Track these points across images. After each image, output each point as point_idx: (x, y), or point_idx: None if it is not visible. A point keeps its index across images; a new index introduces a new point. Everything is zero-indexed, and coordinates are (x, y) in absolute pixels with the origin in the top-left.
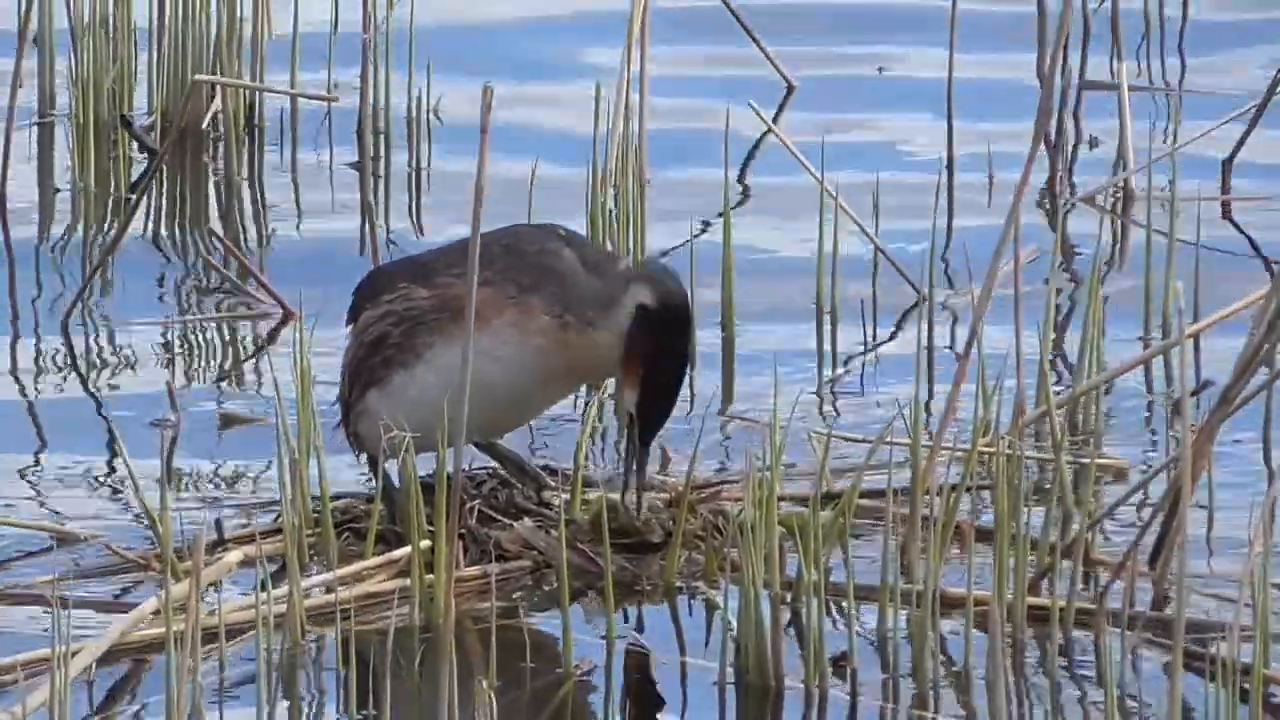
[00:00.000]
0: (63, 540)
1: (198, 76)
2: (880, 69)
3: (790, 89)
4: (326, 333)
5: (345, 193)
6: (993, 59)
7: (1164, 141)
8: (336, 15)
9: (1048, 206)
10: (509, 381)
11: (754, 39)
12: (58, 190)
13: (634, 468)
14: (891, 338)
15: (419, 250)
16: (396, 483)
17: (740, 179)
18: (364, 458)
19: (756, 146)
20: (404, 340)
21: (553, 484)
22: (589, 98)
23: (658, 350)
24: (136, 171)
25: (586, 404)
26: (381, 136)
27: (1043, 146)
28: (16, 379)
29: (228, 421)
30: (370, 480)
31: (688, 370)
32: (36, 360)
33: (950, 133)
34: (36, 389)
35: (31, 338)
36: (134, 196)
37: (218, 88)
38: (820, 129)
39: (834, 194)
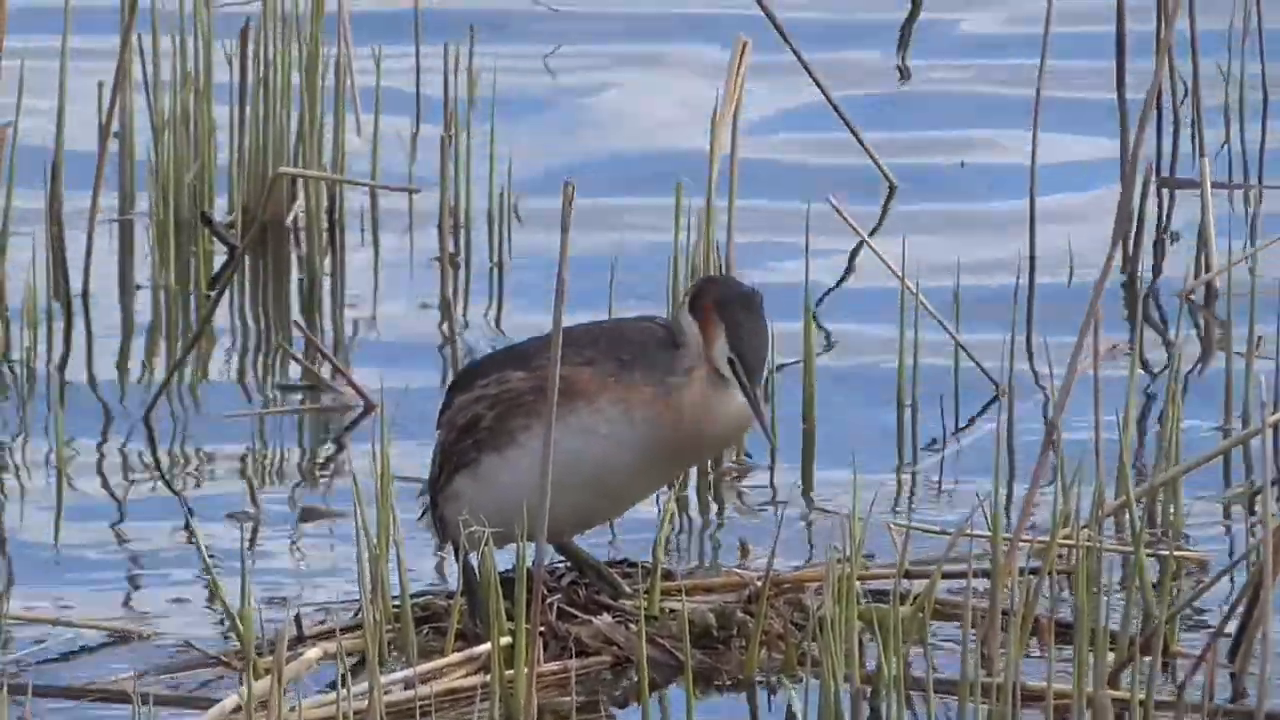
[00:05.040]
0: (145, 638)
1: (281, 169)
2: (962, 163)
3: (892, 189)
4: (407, 426)
5: (426, 287)
6: (1076, 145)
7: (1245, 228)
8: (419, 111)
9: (1128, 299)
10: (610, 459)
11: (855, 134)
12: (139, 287)
13: (755, 404)
14: (971, 429)
15: (499, 344)
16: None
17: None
18: (448, 546)
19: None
20: (496, 424)
21: (629, 590)
22: (670, 199)
23: (721, 299)
24: (218, 268)
25: (666, 499)
26: (462, 231)
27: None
28: (99, 473)
29: (307, 516)
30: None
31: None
32: (120, 455)
33: (1032, 222)
34: (119, 483)
35: (115, 433)
36: (214, 293)
37: (299, 183)
38: (901, 221)
39: (915, 290)
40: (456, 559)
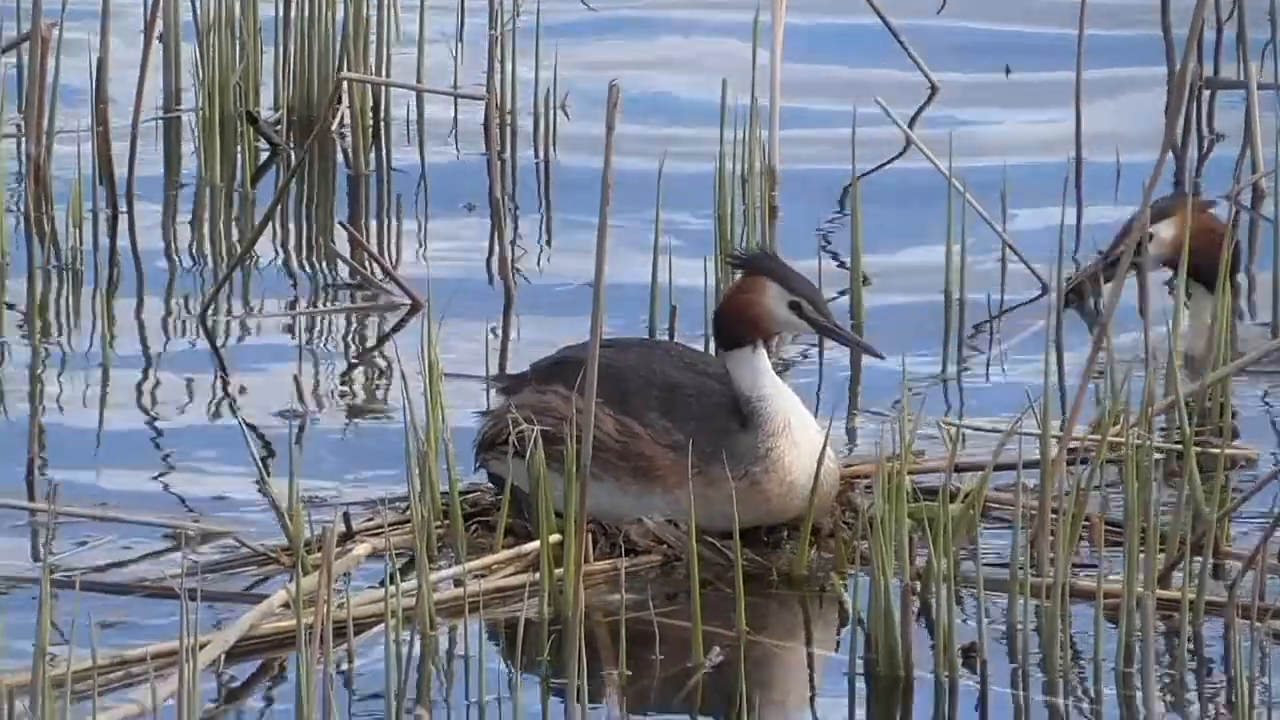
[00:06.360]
0: (193, 535)
1: (345, 75)
2: (1008, 69)
3: (934, 90)
4: (454, 326)
5: (472, 186)
6: (1122, 45)
7: None
8: (463, 11)
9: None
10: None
11: (899, 40)
12: (182, 185)
13: (843, 336)
14: (1019, 327)
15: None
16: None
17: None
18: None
19: (896, 157)
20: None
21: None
22: (717, 90)
23: (745, 265)
24: (263, 171)
25: None
26: (509, 131)
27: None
28: (146, 373)
29: (356, 412)
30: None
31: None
32: (167, 353)
33: (1078, 126)
34: (165, 382)
35: (162, 332)
36: (274, 200)
37: (344, 85)
38: (951, 124)
39: (961, 189)
40: (494, 484)
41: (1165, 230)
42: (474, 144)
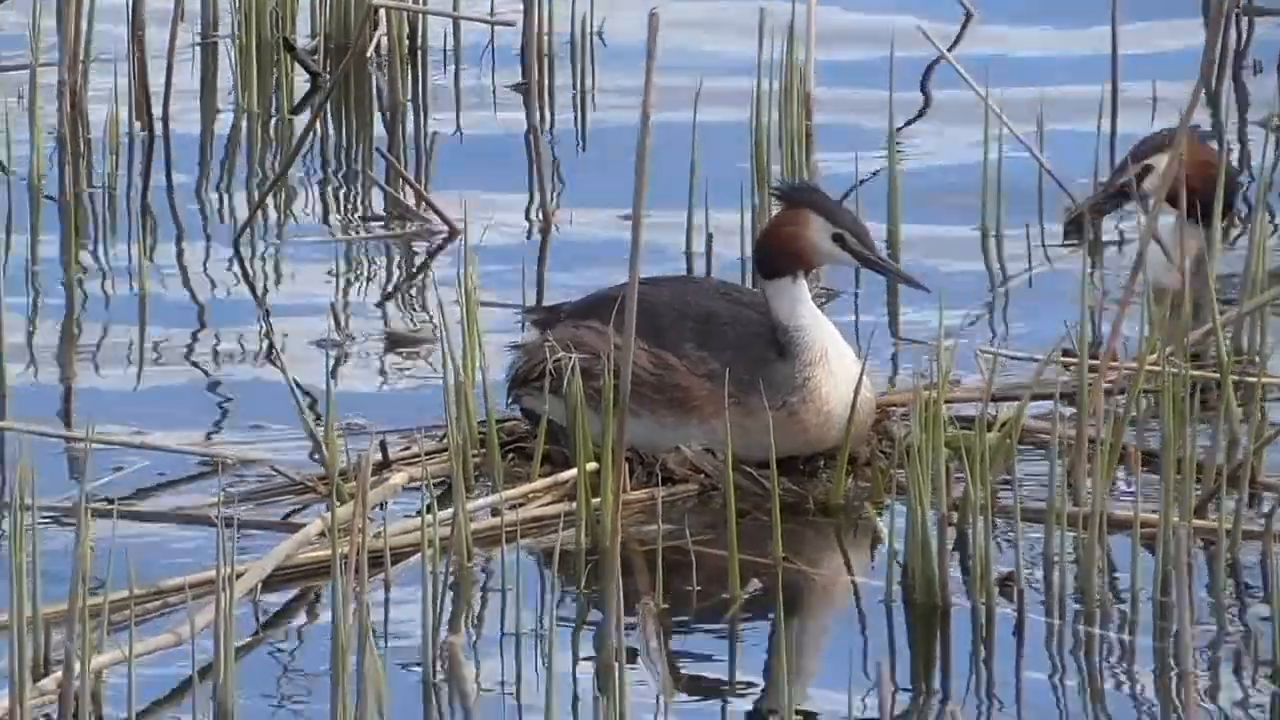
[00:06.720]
0: (229, 463)
1: (376, 1)
2: None
3: (969, 16)
4: (490, 254)
5: (509, 115)
6: None
7: None
8: None
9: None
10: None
11: None
12: (219, 112)
13: (886, 268)
14: (1056, 254)
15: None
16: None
17: (922, 88)
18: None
19: (929, 71)
20: (605, 388)
21: None
22: (754, 15)
23: (787, 196)
24: (298, 95)
25: None
26: (546, 59)
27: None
28: (182, 301)
29: (393, 341)
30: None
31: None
32: (204, 281)
33: (1114, 52)
34: (202, 310)
35: (198, 259)
36: (309, 120)
37: (380, 12)
38: (987, 50)
39: (999, 111)
40: (528, 419)
41: (1164, 163)
42: (511, 75)
